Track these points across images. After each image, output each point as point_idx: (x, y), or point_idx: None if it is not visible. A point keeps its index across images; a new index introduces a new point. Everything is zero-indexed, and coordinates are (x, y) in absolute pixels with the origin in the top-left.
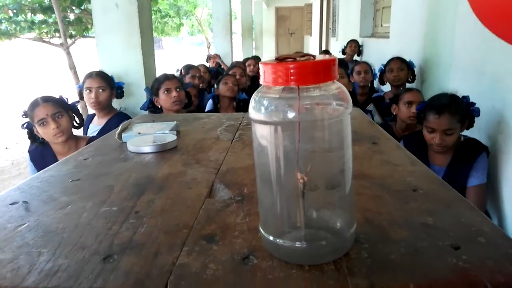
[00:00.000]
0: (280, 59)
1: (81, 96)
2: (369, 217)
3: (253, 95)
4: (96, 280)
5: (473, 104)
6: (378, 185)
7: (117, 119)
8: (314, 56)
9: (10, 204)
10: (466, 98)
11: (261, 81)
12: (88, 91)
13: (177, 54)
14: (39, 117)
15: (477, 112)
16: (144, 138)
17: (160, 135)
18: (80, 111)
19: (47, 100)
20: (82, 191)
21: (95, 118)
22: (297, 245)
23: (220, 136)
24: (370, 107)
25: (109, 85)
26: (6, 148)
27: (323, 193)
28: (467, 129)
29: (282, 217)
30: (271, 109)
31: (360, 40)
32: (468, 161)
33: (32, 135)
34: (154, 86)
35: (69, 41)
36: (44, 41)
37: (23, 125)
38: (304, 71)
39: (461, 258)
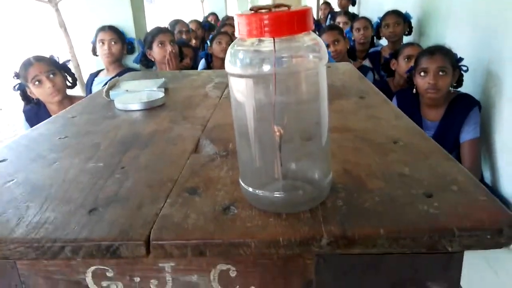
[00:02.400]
0: (255, 10)
1: (94, 51)
2: (348, 168)
3: (229, 48)
4: (82, 231)
5: (461, 59)
6: (360, 138)
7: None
8: (289, 7)
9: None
10: (454, 54)
11: (236, 34)
12: (101, 43)
13: (169, 8)
14: (33, 75)
15: (465, 69)
16: (132, 95)
17: (148, 93)
18: (72, 71)
19: (39, 59)
20: (69, 148)
21: (102, 72)
22: (275, 195)
23: (209, 93)
24: (366, 62)
25: (120, 39)
26: (0, 109)
27: (299, 145)
28: (457, 87)
29: (260, 169)
30: (246, 62)
31: None
32: (461, 115)
33: (26, 96)
34: (148, 39)
35: None
36: None
37: (15, 86)
38: (278, 22)
39: (432, 205)
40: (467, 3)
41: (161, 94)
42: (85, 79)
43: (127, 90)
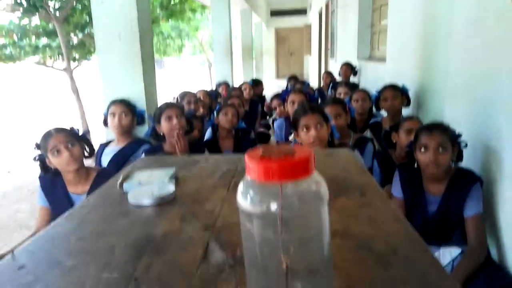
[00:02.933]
0: (264, 154)
1: (105, 123)
2: (351, 286)
3: (240, 183)
4: None
5: (459, 135)
6: (362, 246)
7: (135, 144)
8: (293, 153)
9: (18, 269)
10: (453, 130)
11: (247, 173)
12: (112, 116)
13: (179, 73)
14: (52, 146)
15: (464, 145)
16: (144, 189)
17: (160, 186)
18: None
19: (59, 131)
20: (85, 252)
21: (112, 142)
22: None
23: (217, 184)
24: (368, 133)
25: (131, 111)
26: (8, 172)
27: (305, 275)
28: (457, 161)
29: None
30: (256, 200)
31: (357, 62)
32: (463, 191)
33: (45, 167)
34: (156, 114)
35: (73, 64)
36: (47, 66)
37: (35, 157)
38: (285, 169)
39: None
40: (463, 80)
41: (171, 188)
42: (95, 145)
43: (140, 182)
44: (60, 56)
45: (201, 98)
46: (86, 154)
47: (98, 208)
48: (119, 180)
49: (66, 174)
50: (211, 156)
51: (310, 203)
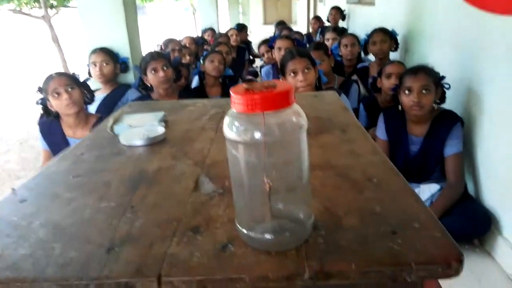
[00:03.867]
0: (248, 88)
1: (90, 74)
2: (329, 207)
3: (226, 115)
4: (103, 270)
5: (443, 77)
6: (340, 175)
7: (120, 90)
8: (275, 86)
9: (20, 202)
10: (437, 73)
11: (232, 106)
12: (93, 65)
13: (161, 19)
14: (53, 88)
15: (447, 86)
16: (135, 131)
17: (150, 128)
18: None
19: (60, 74)
20: (82, 187)
21: (98, 91)
22: (265, 236)
23: (205, 126)
24: (355, 77)
25: (112, 59)
26: None
27: (286, 195)
28: (440, 103)
29: (253, 214)
30: (241, 130)
31: (346, 7)
32: (444, 130)
33: (46, 110)
34: (142, 65)
35: (51, 12)
36: (24, 13)
37: (37, 101)
38: (267, 100)
39: (396, 242)
40: (450, 25)
41: (162, 130)
42: None
43: (130, 125)
44: (36, 3)
45: (187, 45)
46: (86, 100)
47: (92, 149)
48: (109, 123)
49: (66, 118)
50: (199, 101)
51: (290, 130)
